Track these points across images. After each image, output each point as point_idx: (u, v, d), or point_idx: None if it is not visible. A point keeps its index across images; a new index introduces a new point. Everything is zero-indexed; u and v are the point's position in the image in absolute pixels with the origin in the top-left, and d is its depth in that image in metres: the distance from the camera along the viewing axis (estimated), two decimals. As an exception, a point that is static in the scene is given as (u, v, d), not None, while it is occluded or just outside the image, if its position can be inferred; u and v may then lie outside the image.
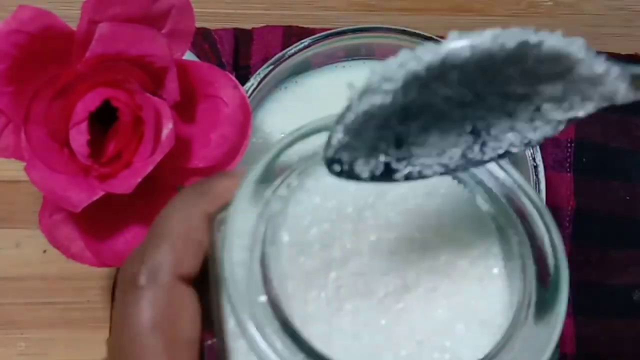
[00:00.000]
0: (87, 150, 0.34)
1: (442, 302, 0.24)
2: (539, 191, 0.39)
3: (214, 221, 0.25)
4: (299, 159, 0.24)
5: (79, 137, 0.34)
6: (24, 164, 0.35)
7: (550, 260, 0.24)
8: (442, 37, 0.47)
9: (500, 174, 0.25)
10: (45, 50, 0.34)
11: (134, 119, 0.35)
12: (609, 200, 0.45)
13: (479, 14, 0.49)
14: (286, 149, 0.24)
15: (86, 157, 0.34)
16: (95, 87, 0.34)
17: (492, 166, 0.25)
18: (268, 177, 0.24)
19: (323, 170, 0.23)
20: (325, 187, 0.25)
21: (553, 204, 0.44)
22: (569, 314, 0.43)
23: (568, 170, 0.45)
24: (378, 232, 0.24)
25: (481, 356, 0.22)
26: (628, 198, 0.45)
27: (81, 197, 0.34)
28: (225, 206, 0.25)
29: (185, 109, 0.36)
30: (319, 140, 0.23)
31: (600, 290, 0.44)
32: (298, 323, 0.22)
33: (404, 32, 0.41)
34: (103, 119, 0.35)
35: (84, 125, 0.34)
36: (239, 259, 0.22)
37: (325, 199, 0.25)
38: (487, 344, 0.23)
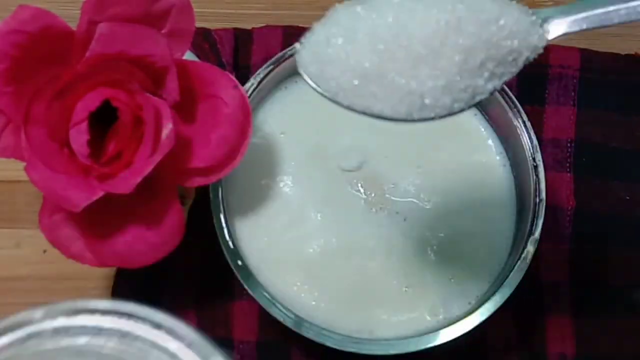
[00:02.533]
0: (87, 150, 0.34)
1: None
2: (539, 191, 0.39)
3: None
4: None
5: (79, 137, 0.34)
6: (24, 164, 0.35)
7: None
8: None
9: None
10: (45, 50, 0.34)
11: (134, 119, 0.35)
12: (609, 200, 0.45)
13: (479, 14, 0.49)
14: None
15: (86, 157, 0.34)
16: (95, 87, 0.34)
17: None
18: None
19: None
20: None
21: (553, 204, 0.44)
22: (569, 314, 0.43)
23: (568, 170, 0.45)
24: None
25: None
26: (628, 198, 0.45)
27: (81, 197, 0.34)
28: None
29: (185, 109, 0.36)
30: None
31: (600, 290, 0.44)
32: None
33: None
34: (103, 119, 0.35)
35: (84, 125, 0.34)
36: None
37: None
38: None
